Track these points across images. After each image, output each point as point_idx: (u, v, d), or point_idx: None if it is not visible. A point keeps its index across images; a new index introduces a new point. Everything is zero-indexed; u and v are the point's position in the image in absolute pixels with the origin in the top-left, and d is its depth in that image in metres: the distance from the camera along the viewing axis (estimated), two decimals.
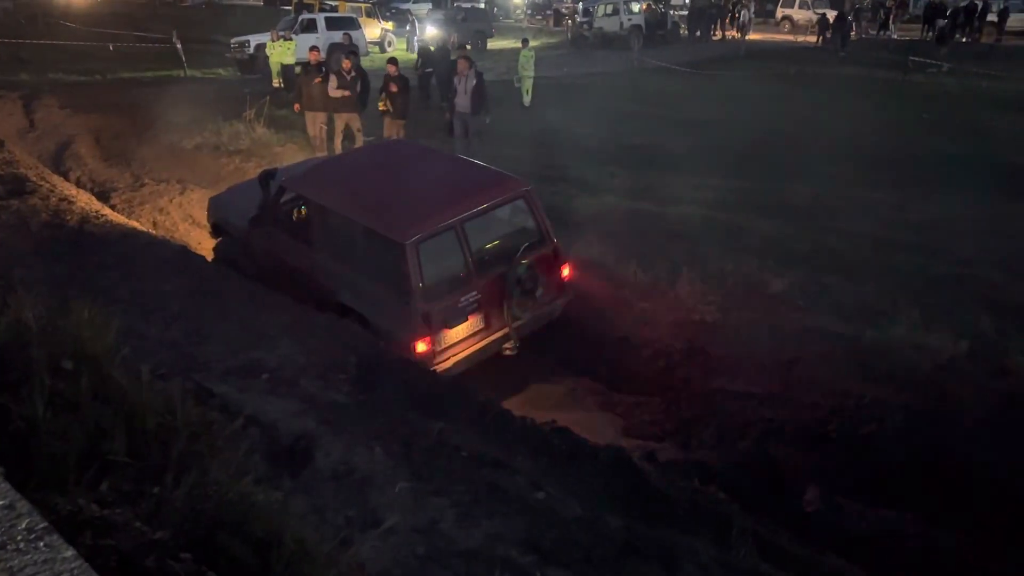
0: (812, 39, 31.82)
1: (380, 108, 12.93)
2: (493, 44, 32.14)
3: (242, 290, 7.16)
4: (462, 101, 12.71)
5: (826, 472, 5.73)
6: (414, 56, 28.94)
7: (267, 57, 20.23)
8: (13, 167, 11.17)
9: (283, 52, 19.47)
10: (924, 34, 32.47)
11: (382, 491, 3.88)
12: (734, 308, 7.93)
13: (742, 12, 36.16)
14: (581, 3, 43.69)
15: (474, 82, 12.59)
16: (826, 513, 5.28)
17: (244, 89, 17.60)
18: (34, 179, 10.34)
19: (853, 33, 31.95)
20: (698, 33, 34.82)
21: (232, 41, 25.01)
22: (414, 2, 52.20)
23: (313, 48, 14.42)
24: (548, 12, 46.53)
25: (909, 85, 20.97)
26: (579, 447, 5.05)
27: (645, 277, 8.59)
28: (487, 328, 6.92)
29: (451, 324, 6.61)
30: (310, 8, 29.91)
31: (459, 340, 6.75)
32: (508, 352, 7.14)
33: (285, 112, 15.18)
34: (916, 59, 22.79)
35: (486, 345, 6.95)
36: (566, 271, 7.51)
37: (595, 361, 7.65)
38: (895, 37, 32.66)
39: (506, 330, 6.98)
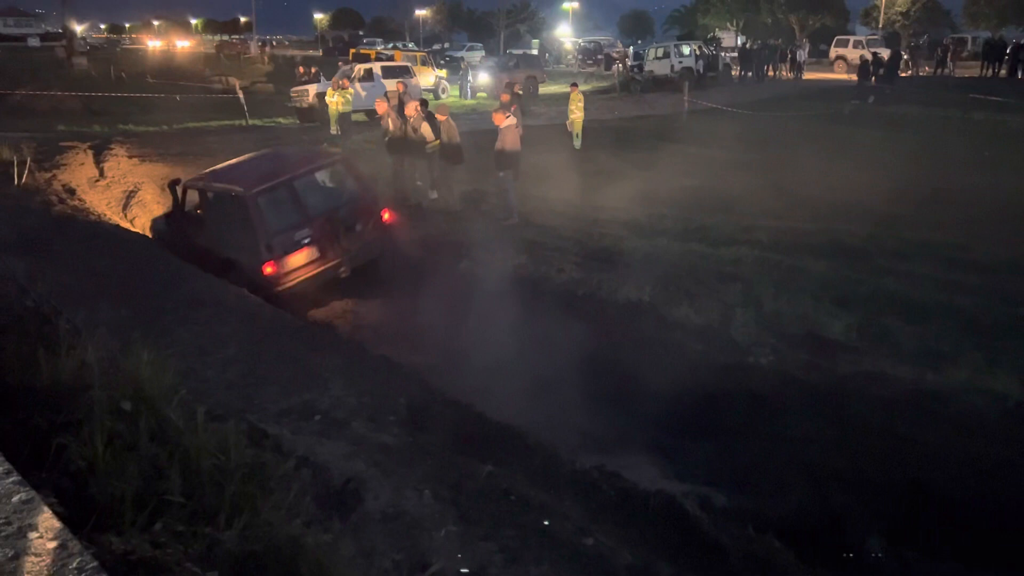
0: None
1: (428, 150, 13.25)
2: (544, 89, 32.55)
3: (297, 332, 7.30)
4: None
5: (888, 521, 5.53)
6: (469, 102, 29.57)
7: (326, 105, 20.86)
8: (83, 214, 11.68)
9: (340, 100, 20.04)
10: (984, 71, 31.94)
11: (430, 534, 3.87)
12: (790, 351, 7.78)
13: (796, 52, 36.08)
14: (632, 47, 44.16)
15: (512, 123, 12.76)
16: (888, 565, 5.09)
17: (303, 136, 18.11)
18: (102, 225, 10.78)
19: (909, 72, 31.62)
20: (749, 74, 34.79)
21: (292, 91, 25.84)
22: (467, 50, 53.49)
23: (380, 98, 14.85)
24: (599, 57, 47.06)
25: (969, 123, 20.55)
26: (629, 492, 4.98)
27: (698, 319, 8.50)
28: (322, 258, 9.33)
29: (290, 252, 9.00)
30: (367, 58, 30.79)
31: (300, 266, 9.15)
32: (343, 275, 9.56)
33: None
34: (977, 96, 22.38)
35: (323, 270, 9.36)
36: (386, 216, 10.04)
37: (646, 403, 7.55)
38: (954, 75, 32.18)
39: (339, 259, 9.43)
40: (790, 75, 35.52)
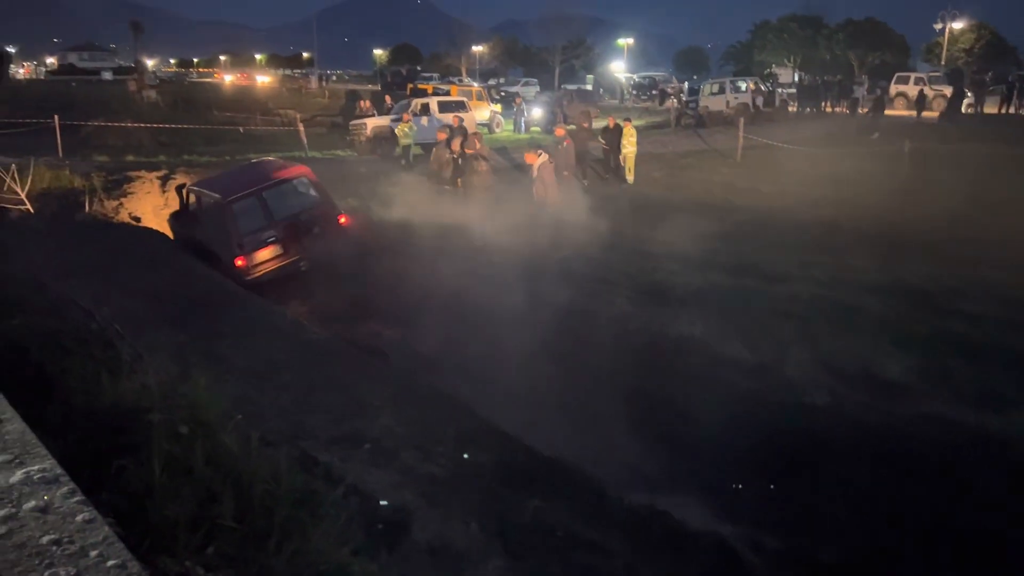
0: (930, 114, 30.86)
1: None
2: (598, 123, 32.65)
3: (349, 360, 7.39)
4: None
5: (947, 572, 5.32)
6: (523, 136, 29.82)
7: (381, 139, 21.35)
8: (147, 241, 12.06)
9: (401, 133, 20.47)
10: None
11: (476, 568, 3.85)
12: (846, 391, 7.60)
13: (855, 88, 35.68)
14: (687, 83, 44.11)
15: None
16: None
17: (359, 169, 18.45)
18: (165, 251, 11.12)
19: (972, 109, 31.01)
20: (808, 110, 34.49)
21: (350, 124, 26.38)
22: (523, 85, 54.07)
23: (441, 129, 15.37)
24: (653, 92, 47.10)
25: None
26: (678, 532, 4.89)
27: (751, 356, 8.36)
28: (285, 254, 11.33)
29: (257, 249, 11.07)
30: (424, 93, 31.35)
31: (266, 260, 11.20)
32: (304, 268, 11.35)
33: (396, 190, 15.78)
34: None
35: (285, 264, 11.33)
36: (342, 220, 11.93)
37: (697, 440, 7.43)
38: (1021, 112, 31.38)
39: (299, 256, 11.33)
40: (847, 111, 35.09)
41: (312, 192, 11.92)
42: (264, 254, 11.16)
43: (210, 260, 11.28)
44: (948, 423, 6.83)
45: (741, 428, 7.41)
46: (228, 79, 64.99)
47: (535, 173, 13.59)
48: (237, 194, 11.18)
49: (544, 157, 13.58)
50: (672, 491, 6.62)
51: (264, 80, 62.65)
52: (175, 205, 15.97)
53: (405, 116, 21.81)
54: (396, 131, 21.13)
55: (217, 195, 11.23)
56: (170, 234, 13.24)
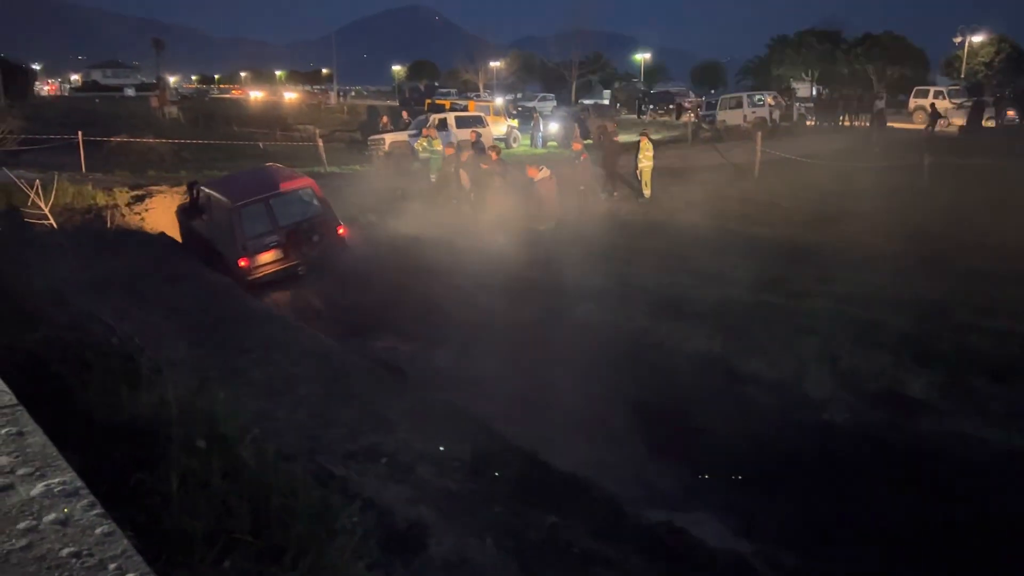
0: (950, 129, 30.65)
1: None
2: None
3: (366, 375, 7.41)
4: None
5: None
6: (540, 151, 29.90)
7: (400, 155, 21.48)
8: (168, 255, 12.19)
9: (424, 148, 20.60)
10: None
11: None
12: (867, 408, 7.52)
13: (874, 102, 35.54)
14: (704, 97, 44.07)
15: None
16: None
17: (376, 183, 18.54)
18: (186, 266, 11.22)
19: (992, 123, 30.82)
20: (826, 124, 34.40)
21: (369, 139, 26.53)
22: (540, 100, 54.25)
23: (448, 144, 15.52)
24: (670, 106, 47.10)
25: None
26: (696, 550, 4.85)
27: (770, 373, 8.30)
28: (285, 258, 11.99)
29: (260, 252, 11.74)
30: (441, 108, 31.53)
31: (267, 263, 11.88)
32: (301, 272, 12.09)
33: (410, 204, 15.87)
34: None
35: (285, 267, 12.03)
36: (340, 230, 12.57)
37: (715, 458, 7.38)
38: None
39: (298, 261, 12.01)
40: (866, 125, 34.94)
41: (315, 202, 12.57)
42: (266, 257, 11.87)
43: (214, 258, 11.96)
44: (972, 441, 6.74)
45: (760, 445, 7.35)
46: (256, 95, 65.68)
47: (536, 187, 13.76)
48: (245, 199, 11.86)
49: (546, 172, 13.69)
50: (690, 508, 6.57)
51: (291, 96, 63.50)
52: None
53: (427, 131, 21.87)
54: (416, 145, 21.24)
55: (227, 198, 11.89)
56: (177, 226, 14.04)
